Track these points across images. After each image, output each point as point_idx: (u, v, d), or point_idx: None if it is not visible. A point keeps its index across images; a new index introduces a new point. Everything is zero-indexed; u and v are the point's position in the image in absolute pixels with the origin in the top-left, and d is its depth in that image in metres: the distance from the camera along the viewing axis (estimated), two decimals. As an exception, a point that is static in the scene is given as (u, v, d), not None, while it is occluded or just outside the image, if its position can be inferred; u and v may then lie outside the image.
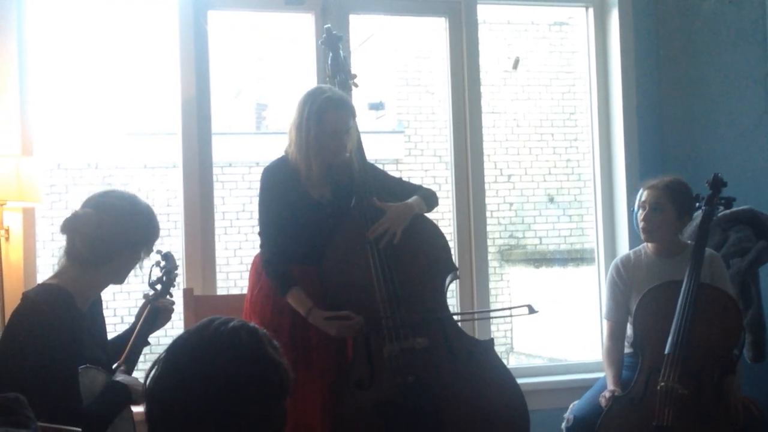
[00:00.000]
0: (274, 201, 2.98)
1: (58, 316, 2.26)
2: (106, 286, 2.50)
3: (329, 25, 3.33)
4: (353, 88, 3.23)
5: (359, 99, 3.30)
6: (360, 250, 2.95)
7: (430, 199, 3.10)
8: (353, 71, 3.23)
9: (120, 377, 2.43)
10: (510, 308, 3.00)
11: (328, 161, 2.98)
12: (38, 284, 2.47)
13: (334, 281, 2.95)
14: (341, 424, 2.89)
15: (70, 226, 2.41)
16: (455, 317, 3.12)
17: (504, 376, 2.96)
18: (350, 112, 2.97)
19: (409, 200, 3.05)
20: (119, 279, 2.49)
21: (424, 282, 2.99)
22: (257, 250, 3.10)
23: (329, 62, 3.21)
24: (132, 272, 2.53)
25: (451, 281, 3.08)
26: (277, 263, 2.93)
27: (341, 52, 3.21)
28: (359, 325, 2.86)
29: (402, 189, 3.14)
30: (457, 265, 3.16)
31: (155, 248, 2.59)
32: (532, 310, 2.88)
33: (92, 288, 2.44)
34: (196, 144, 3.71)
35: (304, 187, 2.98)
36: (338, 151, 2.97)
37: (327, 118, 2.90)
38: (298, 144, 2.94)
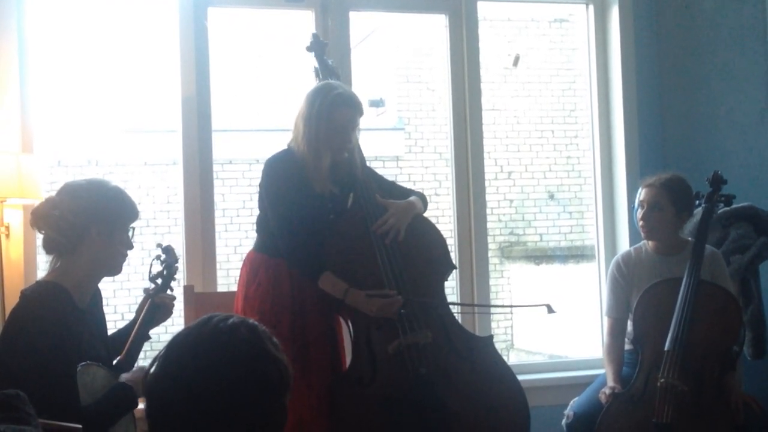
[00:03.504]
0: (283, 192, 2.96)
1: (55, 313, 2.26)
2: (98, 276, 2.45)
3: (316, 32, 3.39)
4: None
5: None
6: (366, 245, 2.96)
7: (423, 202, 3.16)
8: (339, 77, 3.25)
9: (126, 377, 2.41)
10: (529, 305, 3.07)
11: (333, 156, 2.99)
12: (35, 282, 2.47)
13: (339, 277, 2.95)
14: (342, 421, 2.89)
15: (36, 217, 2.40)
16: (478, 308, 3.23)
17: (504, 371, 3.02)
18: (359, 110, 3.00)
19: (410, 199, 3.10)
20: (107, 265, 2.43)
21: (426, 279, 3.03)
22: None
23: (318, 66, 3.24)
24: (132, 268, 2.51)
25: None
26: (301, 252, 2.90)
27: (326, 59, 3.25)
28: (399, 303, 2.86)
29: (398, 191, 3.18)
30: (456, 261, 3.19)
31: (151, 241, 2.58)
32: (551, 310, 2.99)
33: (85, 280, 2.41)
34: (196, 141, 3.71)
35: (308, 180, 2.98)
36: (343, 147, 2.99)
37: (338, 113, 2.93)
38: (308, 137, 2.94)
